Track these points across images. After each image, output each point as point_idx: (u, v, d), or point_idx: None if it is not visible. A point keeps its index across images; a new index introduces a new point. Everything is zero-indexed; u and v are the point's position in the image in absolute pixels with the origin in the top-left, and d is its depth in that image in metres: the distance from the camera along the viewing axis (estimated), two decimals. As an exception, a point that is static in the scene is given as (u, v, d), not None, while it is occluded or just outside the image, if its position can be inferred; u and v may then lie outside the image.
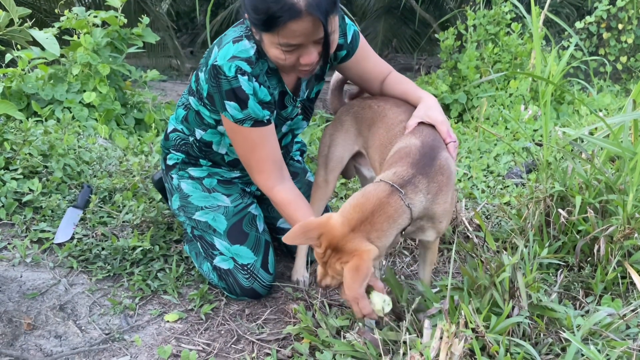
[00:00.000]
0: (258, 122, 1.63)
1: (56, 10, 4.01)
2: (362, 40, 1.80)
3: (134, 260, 1.99)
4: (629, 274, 1.76)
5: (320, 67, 1.73)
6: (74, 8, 3.65)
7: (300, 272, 1.97)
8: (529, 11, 4.77)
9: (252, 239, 1.86)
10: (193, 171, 1.96)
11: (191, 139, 1.91)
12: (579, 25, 5.63)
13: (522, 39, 4.74)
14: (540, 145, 3.45)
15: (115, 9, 3.71)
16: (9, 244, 2.02)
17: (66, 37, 3.64)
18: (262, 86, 1.61)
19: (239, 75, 1.56)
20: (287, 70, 1.62)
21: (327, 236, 1.35)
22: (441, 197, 1.45)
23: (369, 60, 1.81)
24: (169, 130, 1.99)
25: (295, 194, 1.71)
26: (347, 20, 1.75)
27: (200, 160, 1.96)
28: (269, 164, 1.68)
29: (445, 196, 1.46)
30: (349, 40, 1.74)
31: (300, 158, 2.22)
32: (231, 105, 1.59)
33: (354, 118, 1.79)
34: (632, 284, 1.77)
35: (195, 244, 1.95)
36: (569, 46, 5.09)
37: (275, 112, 1.72)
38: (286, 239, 1.39)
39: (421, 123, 1.60)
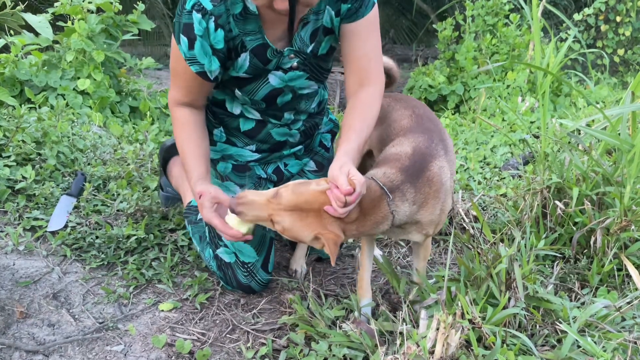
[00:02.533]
0: (203, 73, 1.55)
1: (50, -4, 3.97)
2: (373, 16, 1.57)
3: (128, 249, 1.98)
4: (625, 266, 1.75)
5: (329, 17, 1.58)
6: (68, -6, 3.60)
7: (298, 262, 1.96)
8: (527, 2, 4.75)
9: (257, 238, 1.81)
10: None
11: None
12: (577, 17, 5.61)
13: (520, 30, 4.72)
14: (537, 137, 3.44)
15: (110, -5, 3.67)
16: (1, 231, 2.00)
17: (60, 23, 3.60)
18: (219, 29, 1.49)
19: (194, 11, 1.45)
20: (266, 8, 1.46)
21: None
22: (426, 209, 1.44)
23: (363, 41, 1.57)
24: None
25: (192, 119, 1.65)
26: None
27: (215, 132, 1.83)
28: (182, 92, 1.62)
29: (432, 208, 1.44)
30: None
31: (330, 144, 2.01)
32: (184, 41, 1.50)
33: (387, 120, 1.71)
34: (628, 276, 1.77)
35: (202, 227, 1.90)
36: (567, 38, 5.07)
37: (245, 61, 1.59)
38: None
39: (417, 130, 1.53)
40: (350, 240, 1.59)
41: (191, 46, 1.50)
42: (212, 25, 1.48)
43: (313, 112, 1.85)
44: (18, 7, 1.80)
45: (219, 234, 1.82)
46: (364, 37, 1.58)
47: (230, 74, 1.63)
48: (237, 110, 1.77)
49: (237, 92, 1.69)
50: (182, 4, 1.49)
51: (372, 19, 1.58)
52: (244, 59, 1.58)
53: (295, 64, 1.63)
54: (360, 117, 1.54)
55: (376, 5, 1.59)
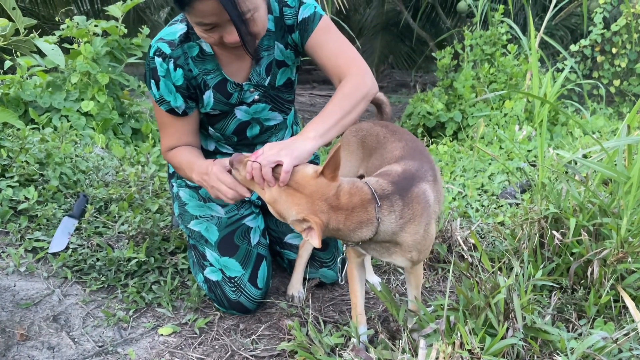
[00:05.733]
0: (171, 110, 1.72)
1: (57, 18, 4.03)
2: (324, 24, 1.69)
3: (129, 271, 1.99)
4: (622, 297, 1.77)
5: (279, 51, 1.74)
6: (75, 17, 3.66)
7: (296, 287, 1.97)
8: (524, 33, 4.85)
9: (242, 252, 1.86)
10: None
11: None
12: (573, 48, 5.71)
13: (517, 60, 4.80)
14: (534, 165, 3.48)
15: (116, 19, 3.73)
16: (3, 252, 2.01)
17: (66, 45, 3.65)
18: (178, 68, 1.67)
19: (155, 57, 1.65)
20: (221, 47, 1.62)
21: (320, 181, 1.36)
22: (412, 227, 1.43)
23: (323, 48, 1.68)
24: None
25: (185, 147, 1.77)
26: (307, 0, 1.70)
27: None
28: (171, 140, 1.78)
29: (417, 227, 1.43)
30: (299, 20, 1.70)
31: None
32: (153, 84, 1.69)
33: (360, 142, 1.76)
34: (625, 307, 1.78)
35: (192, 253, 1.96)
36: (563, 68, 5.16)
37: (210, 97, 1.74)
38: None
39: (408, 158, 1.58)
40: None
41: (157, 87, 1.69)
42: (171, 66, 1.67)
43: None
44: (32, 35, 1.85)
45: (203, 255, 1.86)
46: (323, 43, 1.70)
47: (201, 111, 1.78)
48: (211, 147, 1.93)
49: (210, 130, 1.85)
50: (148, 54, 1.68)
51: (323, 27, 1.70)
52: (209, 96, 1.75)
53: (256, 96, 1.79)
54: (332, 102, 1.57)
55: (324, 16, 1.72)
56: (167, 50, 1.65)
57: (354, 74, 1.61)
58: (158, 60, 1.65)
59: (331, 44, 1.68)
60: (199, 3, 1.43)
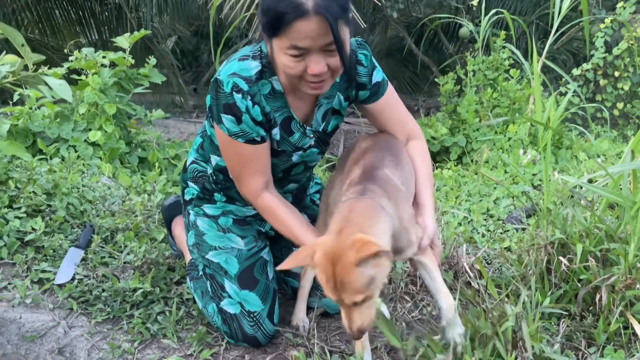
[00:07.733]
0: (250, 141, 1.67)
1: (65, 50, 4.11)
2: (391, 90, 1.83)
3: (134, 302, 1.98)
4: (631, 324, 1.75)
5: (339, 100, 1.78)
6: (83, 49, 3.73)
7: (299, 317, 1.95)
8: (526, 57, 4.89)
9: (261, 286, 1.86)
10: (208, 209, 1.96)
11: (209, 170, 1.92)
12: (576, 71, 5.74)
13: (520, 85, 4.83)
14: (539, 189, 3.47)
15: (123, 50, 3.80)
16: (9, 284, 2.01)
17: (74, 77, 3.71)
18: (255, 105, 1.64)
19: (234, 93, 1.60)
20: (295, 83, 1.60)
21: (320, 249, 1.36)
22: (401, 205, 1.54)
23: (393, 111, 1.84)
24: (188, 163, 2.01)
25: (281, 200, 1.77)
26: (376, 63, 1.78)
27: (215, 194, 1.95)
28: (258, 176, 1.73)
29: (404, 204, 1.57)
30: (372, 82, 1.76)
31: (319, 201, 2.17)
32: (228, 119, 1.63)
33: (344, 158, 1.84)
34: (635, 334, 1.76)
35: (204, 283, 1.94)
36: (566, 92, 5.19)
37: (277, 134, 1.73)
38: (280, 266, 1.43)
39: (372, 149, 1.70)
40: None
41: (239, 122, 1.64)
42: (249, 103, 1.63)
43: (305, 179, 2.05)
44: (40, 70, 1.90)
45: (222, 286, 1.84)
46: (393, 107, 1.84)
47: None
48: None
49: None
50: (217, 88, 1.62)
51: (391, 91, 1.84)
52: (275, 133, 1.74)
53: (312, 142, 1.82)
54: (425, 173, 1.79)
55: (390, 85, 1.84)
56: (244, 86, 1.61)
57: (421, 137, 1.89)
58: (237, 96, 1.61)
59: (399, 107, 1.86)
60: (302, 22, 1.41)
